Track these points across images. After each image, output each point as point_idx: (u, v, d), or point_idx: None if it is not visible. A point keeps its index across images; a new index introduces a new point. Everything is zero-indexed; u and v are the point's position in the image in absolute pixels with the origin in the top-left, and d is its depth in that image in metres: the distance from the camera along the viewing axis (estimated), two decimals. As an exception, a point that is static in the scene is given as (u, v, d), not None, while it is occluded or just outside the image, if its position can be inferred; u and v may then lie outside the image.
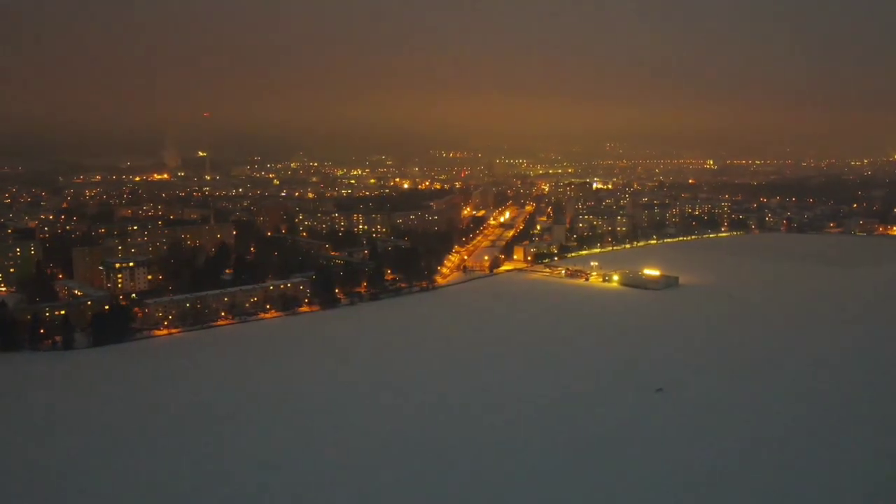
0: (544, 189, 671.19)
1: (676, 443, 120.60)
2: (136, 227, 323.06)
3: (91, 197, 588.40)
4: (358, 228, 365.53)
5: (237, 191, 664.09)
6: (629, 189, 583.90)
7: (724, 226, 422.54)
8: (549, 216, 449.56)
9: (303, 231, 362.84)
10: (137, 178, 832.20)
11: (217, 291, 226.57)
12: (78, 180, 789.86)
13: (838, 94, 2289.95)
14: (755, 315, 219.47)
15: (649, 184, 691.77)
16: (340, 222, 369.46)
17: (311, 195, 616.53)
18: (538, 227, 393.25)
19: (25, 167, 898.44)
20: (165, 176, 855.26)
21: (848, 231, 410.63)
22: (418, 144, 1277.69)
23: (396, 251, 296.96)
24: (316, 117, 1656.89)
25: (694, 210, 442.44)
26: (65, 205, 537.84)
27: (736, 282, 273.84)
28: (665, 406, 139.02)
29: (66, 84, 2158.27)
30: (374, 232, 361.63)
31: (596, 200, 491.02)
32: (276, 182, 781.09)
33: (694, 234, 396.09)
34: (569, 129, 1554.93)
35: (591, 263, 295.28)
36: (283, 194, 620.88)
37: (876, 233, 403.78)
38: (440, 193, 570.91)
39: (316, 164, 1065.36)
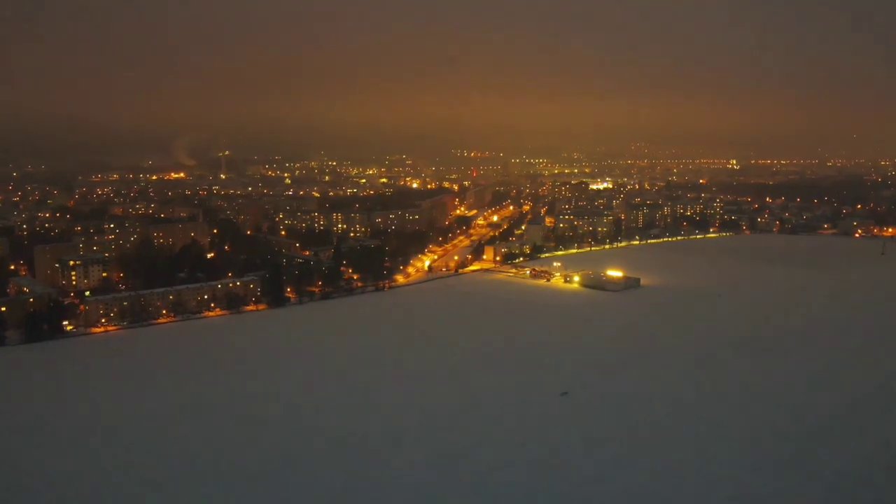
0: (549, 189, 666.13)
1: (566, 446, 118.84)
2: (112, 226, 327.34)
3: (99, 196, 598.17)
4: (337, 228, 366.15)
5: (248, 189, 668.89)
6: (624, 190, 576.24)
7: (715, 226, 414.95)
8: (534, 216, 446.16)
9: (282, 230, 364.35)
10: (154, 177, 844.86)
11: (162, 289, 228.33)
12: (96, 179, 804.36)
13: (874, 92, 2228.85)
14: (695, 318, 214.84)
15: (659, 184, 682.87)
16: (320, 222, 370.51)
17: (315, 194, 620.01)
18: (523, 228, 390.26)
19: (49, 166, 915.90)
20: (182, 175, 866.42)
21: (843, 232, 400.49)
22: (440, 144, 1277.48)
23: (361, 250, 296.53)
24: (339, 117, 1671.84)
25: (686, 210, 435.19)
26: (70, 203, 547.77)
27: (696, 284, 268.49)
28: (565, 409, 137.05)
29: (94, 84, 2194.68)
30: (352, 231, 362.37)
31: (589, 200, 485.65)
32: (287, 181, 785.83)
33: (680, 235, 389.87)
34: (596, 129, 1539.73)
35: (554, 264, 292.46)
36: (288, 193, 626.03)
37: (872, 234, 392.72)
38: (441, 192, 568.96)
39: (334, 163, 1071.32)
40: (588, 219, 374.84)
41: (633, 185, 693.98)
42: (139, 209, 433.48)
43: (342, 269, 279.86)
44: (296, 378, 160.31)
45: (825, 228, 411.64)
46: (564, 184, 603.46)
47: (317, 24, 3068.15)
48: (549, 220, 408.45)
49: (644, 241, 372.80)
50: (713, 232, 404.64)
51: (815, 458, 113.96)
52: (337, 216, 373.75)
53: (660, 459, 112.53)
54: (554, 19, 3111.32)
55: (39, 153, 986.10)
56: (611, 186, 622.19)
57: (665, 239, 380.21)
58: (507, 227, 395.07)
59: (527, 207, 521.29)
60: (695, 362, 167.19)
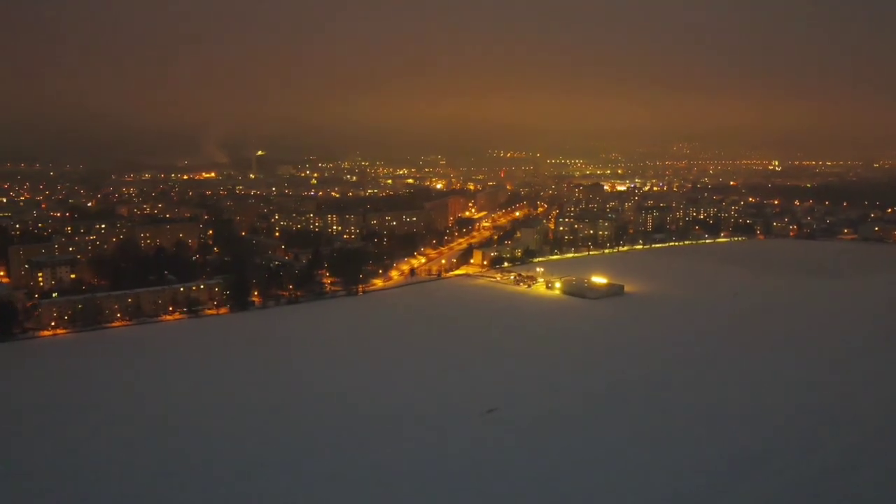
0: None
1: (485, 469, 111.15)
2: (103, 226, 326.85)
3: (122, 195, 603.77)
4: (332, 230, 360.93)
5: (272, 189, 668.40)
6: (639, 192, 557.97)
7: (728, 230, 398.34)
8: (531, 219, 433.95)
9: (277, 231, 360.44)
10: (185, 177, 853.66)
11: (119, 292, 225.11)
12: (128, 178, 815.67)
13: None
14: (662, 331, 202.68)
15: (687, 185, 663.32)
16: (316, 223, 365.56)
17: (334, 194, 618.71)
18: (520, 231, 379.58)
19: (87, 165, 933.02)
20: (212, 174, 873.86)
21: (864, 238, 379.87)
22: (476, 144, 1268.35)
23: (341, 253, 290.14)
24: (378, 117, 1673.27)
25: (699, 214, 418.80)
26: (91, 203, 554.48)
27: (682, 292, 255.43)
28: (489, 427, 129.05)
29: (135, 84, 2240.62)
30: (346, 233, 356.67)
31: (602, 202, 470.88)
32: (314, 181, 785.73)
33: (688, 240, 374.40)
34: (638, 130, 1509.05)
35: (538, 269, 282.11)
36: (310, 193, 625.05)
37: (893, 240, 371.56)
38: (457, 193, 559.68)
39: (366, 163, 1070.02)
40: (589, 222, 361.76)
41: (662, 186, 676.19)
42: (145, 209, 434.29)
43: (321, 271, 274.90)
44: (178, 392, 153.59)
45: (845, 234, 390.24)
46: (578, 185, 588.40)
47: (357, 23, 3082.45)
48: (552, 223, 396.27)
49: (648, 246, 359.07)
50: (724, 236, 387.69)
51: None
52: (332, 217, 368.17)
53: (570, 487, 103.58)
54: (596, 17, 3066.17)
55: (80, 152, 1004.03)
56: (624, 189, 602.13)
57: (671, 243, 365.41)
58: (510, 229, 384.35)
59: (542, 209, 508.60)
60: (631, 385, 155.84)
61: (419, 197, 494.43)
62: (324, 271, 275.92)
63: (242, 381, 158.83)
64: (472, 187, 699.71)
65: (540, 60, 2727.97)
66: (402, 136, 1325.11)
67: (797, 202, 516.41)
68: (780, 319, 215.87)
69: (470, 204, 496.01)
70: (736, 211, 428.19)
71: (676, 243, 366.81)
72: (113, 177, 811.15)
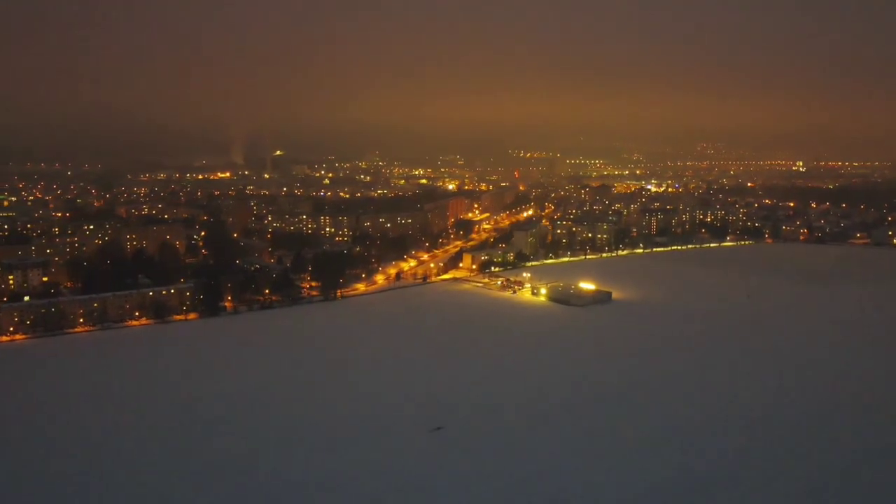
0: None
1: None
2: (91, 227, 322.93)
3: (132, 195, 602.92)
4: (325, 231, 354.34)
5: (281, 190, 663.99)
6: (646, 193, 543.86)
7: (735, 233, 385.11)
8: (526, 221, 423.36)
9: (269, 233, 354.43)
10: (201, 177, 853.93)
11: (85, 297, 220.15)
12: (144, 178, 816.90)
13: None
14: (642, 341, 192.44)
15: (703, 187, 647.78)
16: (309, 225, 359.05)
17: (343, 195, 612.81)
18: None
19: (105, 165, 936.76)
20: (227, 174, 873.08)
21: (877, 242, 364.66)
22: (497, 144, 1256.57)
23: (323, 256, 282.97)
24: (399, 116, 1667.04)
25: (706, 216, 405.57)
26: (99, 203, 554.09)
27: (672, 299, 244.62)
28: (431, 447, 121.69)
29: (157, 84, 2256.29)
30: (339, 235, 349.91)
31: (608, 204, 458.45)
32: (326, 181, 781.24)
33: (692, 244, 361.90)
34: (662, 129, 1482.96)
35: (524, 275, 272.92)
36: (320, 193, 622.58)
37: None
38: (464, 194, 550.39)
39: (383, 163, 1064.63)
40: (587, 225, 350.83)
41: (678, 188, 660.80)
42: (144, 210, 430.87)
43: (304, 275, 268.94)
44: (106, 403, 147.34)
45: (857, 238, 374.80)
46: (585, 186, 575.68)
47: (380, 22, 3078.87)
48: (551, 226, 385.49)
49: (649, 250, 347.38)
50: (730, 240, 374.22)
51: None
52: (325, 219, 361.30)
53: None
54: (622, 14, 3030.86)
55: (101, 152, 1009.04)
56: (632, 190, 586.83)
57: (673, 247, 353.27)
58: (508, 232, 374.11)
59: (549, 210, 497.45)
60: (598, 398, 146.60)
61: (425, 198, 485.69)
62: (306, 275, 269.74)
63: (155, 396, 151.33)
64: (483, 188, 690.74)
65: (564, 59, 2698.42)
66: (421, 135, 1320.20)
67: (814, 204, 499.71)
68: (762, 328, 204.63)
69: (476, 205, 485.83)
70: (744, 214, 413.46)
71: (679, 247, 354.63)
72: (129, 177, 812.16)
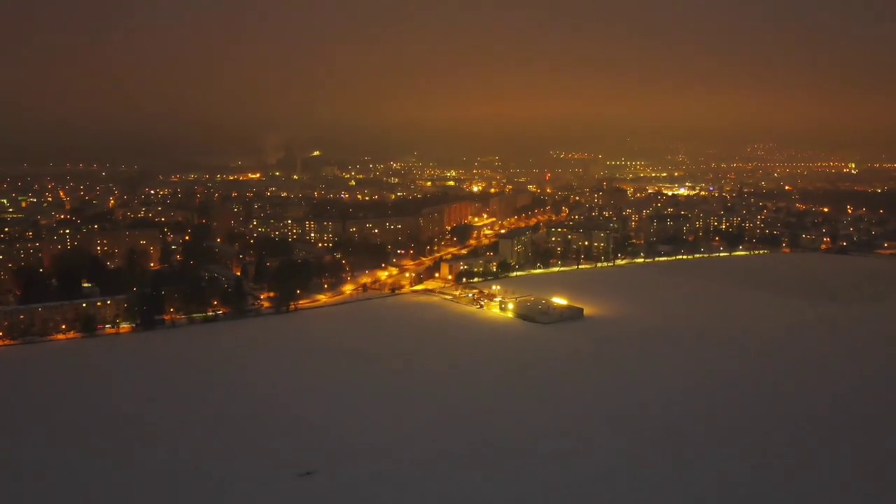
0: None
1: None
2: (67, 231, 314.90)
3: (152, 196, 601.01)
4: (310, 237, 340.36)
5: (297, 193, 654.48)
6: (662, 198, 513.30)
7: (751, 242, 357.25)
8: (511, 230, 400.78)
9: (254, 236, 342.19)
10: (231, 178, 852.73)
11: (10, 307, 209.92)
12: (174, 178, 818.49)
13: None
14: (608, 367, 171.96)
15: (737, 191, 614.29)
16: (293, 230, 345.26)
17: (359, 196, 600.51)
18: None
19: (142, 165, 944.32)
20: (258, 175, 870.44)
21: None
22: (538, 144, 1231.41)
23: (288, 265, 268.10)
24: (442, 117, 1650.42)
25: (720, 223, 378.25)
26: (112, 203, 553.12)
27: (651, 317, 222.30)
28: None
29: (196, 84, 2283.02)
30: (320, 241, 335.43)
31: (617, 209, 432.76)
32: (352, 183, 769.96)
33: (700, 252, 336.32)
34: (712, 128, 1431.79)
35: (494, 287, 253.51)
36: (339, 195, 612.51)
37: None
38: (477, 197, 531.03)
39: (419, 163, 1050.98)
40: (584, 232, 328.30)
41: (712, 191, 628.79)
42: (140, 212, 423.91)
43: (264, 284, 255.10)
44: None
45: (885, 248, 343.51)
46: (599, 190, 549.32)
47: (424, 22, 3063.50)
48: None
49: (651, 259, 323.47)
50: (743, 249, 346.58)
51: None
52: (310, 224, 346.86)
53: None
54: (669, 8, 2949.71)
55: (141, 153, 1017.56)
56: (642, 195, 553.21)
57: (678, 257, 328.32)
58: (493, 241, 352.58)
59: (564, 214, 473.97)
60: (502, 447, 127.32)
61: (435, 201, 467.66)
62: (265, 285, 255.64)
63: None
64: (534, 190, 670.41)
65: (612, 58, 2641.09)
66: (464, 136, 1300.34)
67: (850, 209, 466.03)
68: (728, 348, 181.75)
69: (485, 210, 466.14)
70: (762, 220, 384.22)
71: (684, 257, 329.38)
72: (160, 177, 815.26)
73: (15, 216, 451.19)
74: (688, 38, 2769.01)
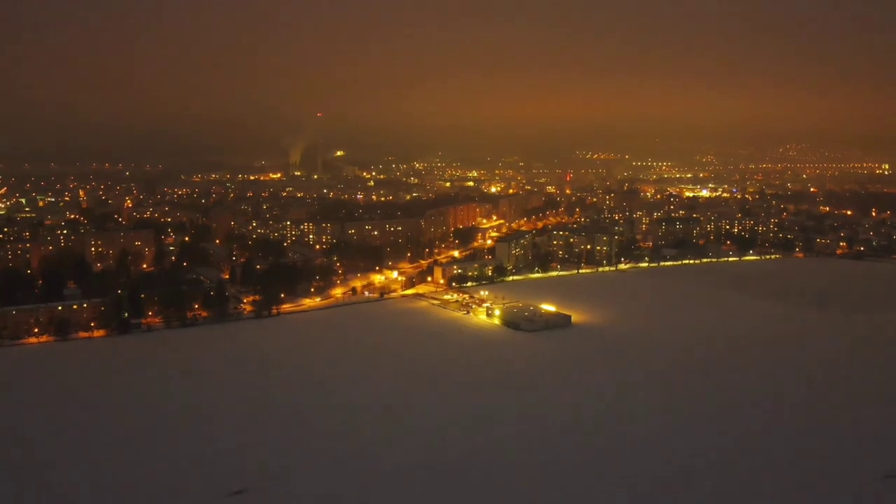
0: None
1: None
2: (64, 232, 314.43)
3: (176, 195, 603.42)
4: (309, 238, 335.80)
5: (311, 194, 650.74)
6: (675, 200, 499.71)
7: (764, 247, 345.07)
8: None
9: (253, 237, 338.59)
10: (252, 177, 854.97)
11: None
12: (195, 178, 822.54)
13: None
14: (586, 378, 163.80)
15: (769, 191, 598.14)
16: (292, 231, 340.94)
17: (373, 197, 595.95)
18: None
19: (167, 165, 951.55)
20: (279, 175, 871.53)
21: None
22: (565, 145, 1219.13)
23: (276, 268, 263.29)
24: (467, 116, 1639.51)
25: (732, 227, 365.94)
26: (128, 203, 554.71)
27: (644, 325, 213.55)
28: None
29: (227, 85, 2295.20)
30: (318, 243, 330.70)
31: (628, 212, 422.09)
32: (371, 183, 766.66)
33: (708, 257, 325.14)
34: (745, 128, 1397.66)
35: (481, 293, 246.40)
36: (354, 196, 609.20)
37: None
38: (490, 199, 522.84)
39: (441, 163, 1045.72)
40: (586, 236, 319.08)
41: (735, 193, 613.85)
42: (147, 213, 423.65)
43: (251, 287, 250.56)
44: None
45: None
46: (611, 192, 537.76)
47: (451, 23, 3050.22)
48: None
49: (655, 264, 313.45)
50: (754, 253, 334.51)
51: None
52: (308, 226, 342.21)
53: None
54: (704, 4, 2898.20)
55: (168, 153, 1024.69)
56: (659, 197, 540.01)
57: (684, 262, 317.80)
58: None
59: (577, 217, 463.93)
60: (451, 464, 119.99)
61: (444, 202, 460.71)
62: (251, 288, 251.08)
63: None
64: (552, 190, 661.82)
65: (639, 56, 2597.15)
66: (490, 136, 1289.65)
67: (874, 212, 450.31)
68: (722, 366, 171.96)
69: (494, 212, 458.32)
70: (776, 224, 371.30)
71: (691, 261, 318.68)
72: (182, 177, 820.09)
73: (28, 216, 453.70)
74: (723, 37, 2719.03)
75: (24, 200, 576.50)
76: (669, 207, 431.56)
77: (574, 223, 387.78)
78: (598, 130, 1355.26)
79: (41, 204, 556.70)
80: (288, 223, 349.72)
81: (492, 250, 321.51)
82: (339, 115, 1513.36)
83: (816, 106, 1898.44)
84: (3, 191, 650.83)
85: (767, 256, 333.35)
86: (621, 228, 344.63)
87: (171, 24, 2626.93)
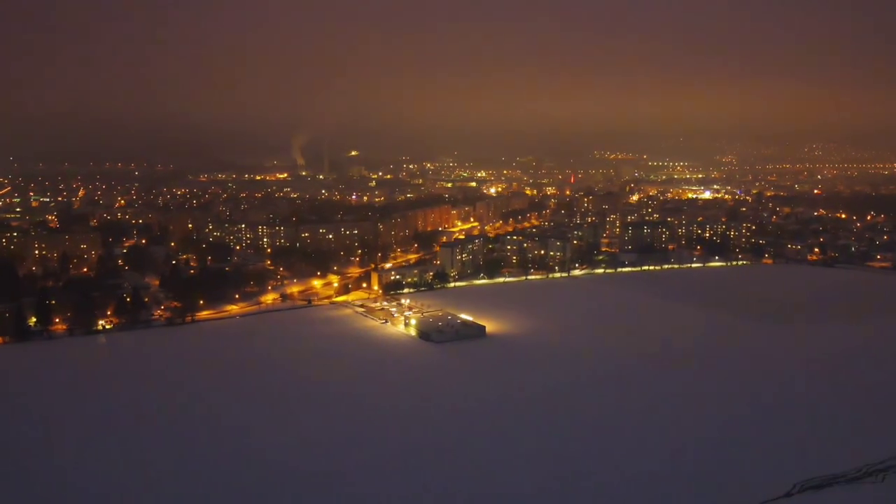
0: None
1: None
2: (14, 234, 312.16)
3: (177, 195, 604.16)
4: (262, 242, 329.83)
5: (306, 193, 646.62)
6: (654, 202, 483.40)
7: (735, 252, 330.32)
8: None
9: (209, 241, 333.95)
10: (259, 177, 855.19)
11: None
12: (202, 178, 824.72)
13: None
14: (484, 393, 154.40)
15: (769, 193, 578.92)
16: (246, 235, 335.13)
17: (378, 199, 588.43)
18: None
19: (176, 165, 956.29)
20: (285, 175, 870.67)
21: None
22: (583, 145, 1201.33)
23: (205, 273, 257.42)
24: (485, 116, 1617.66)
25: (704, 231, 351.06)
26: (121, 202, 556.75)
27: (565, 337, 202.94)
28: None
29: (236, 85, 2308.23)
30: (271, 246, 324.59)
31: (599, 214, 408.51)
32: (372, 183, 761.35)
33: (670, 263, 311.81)
34: (770, 127, 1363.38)
35: (403, 302, 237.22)
36: (351, 197, 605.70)
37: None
38: (482, 199, 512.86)
39: (454, 163, 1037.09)
40: (539, 241, 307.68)
41: (740, 195, 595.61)
42: (117, 214, 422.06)
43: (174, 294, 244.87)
44: None
45: (878, 259, 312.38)
46: (589, 194, 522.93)
47: (472, 22, 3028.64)
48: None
49: (612, 270, 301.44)
50: (719, 260, 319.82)
51: None
52: (263, 230, 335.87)
53: None
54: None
55: (176, 153, 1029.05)
56: (636, 198, 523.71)
57: (644, 268, 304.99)
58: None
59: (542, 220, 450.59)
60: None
61: (420, 204, 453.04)
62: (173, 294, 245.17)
63: None
64: (529, 192, 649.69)
65: (662, 53, 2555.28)
66: (505, 135, 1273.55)
67: (870, 216, 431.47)
68: (613, 389, 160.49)
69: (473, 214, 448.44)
70: (748, 228, 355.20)
71: (651, 267, 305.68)
72: (189, 177, 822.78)
73: (10, 216, 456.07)
74: (756, 33, 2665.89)
75: (18, 200, 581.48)
76: (648, 210, 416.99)
77: (529, 229, 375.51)
78: (620, 130, 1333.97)
79: (34, 204, 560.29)
80: (242, 226, 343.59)
81: (436, 255, 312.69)
82: (363, 114, 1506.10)
83: (847, 103, 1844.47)
84: (5, 190, 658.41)
85: (734, 263, 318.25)
86: (581, 233, 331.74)
87: (193, 24, 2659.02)
